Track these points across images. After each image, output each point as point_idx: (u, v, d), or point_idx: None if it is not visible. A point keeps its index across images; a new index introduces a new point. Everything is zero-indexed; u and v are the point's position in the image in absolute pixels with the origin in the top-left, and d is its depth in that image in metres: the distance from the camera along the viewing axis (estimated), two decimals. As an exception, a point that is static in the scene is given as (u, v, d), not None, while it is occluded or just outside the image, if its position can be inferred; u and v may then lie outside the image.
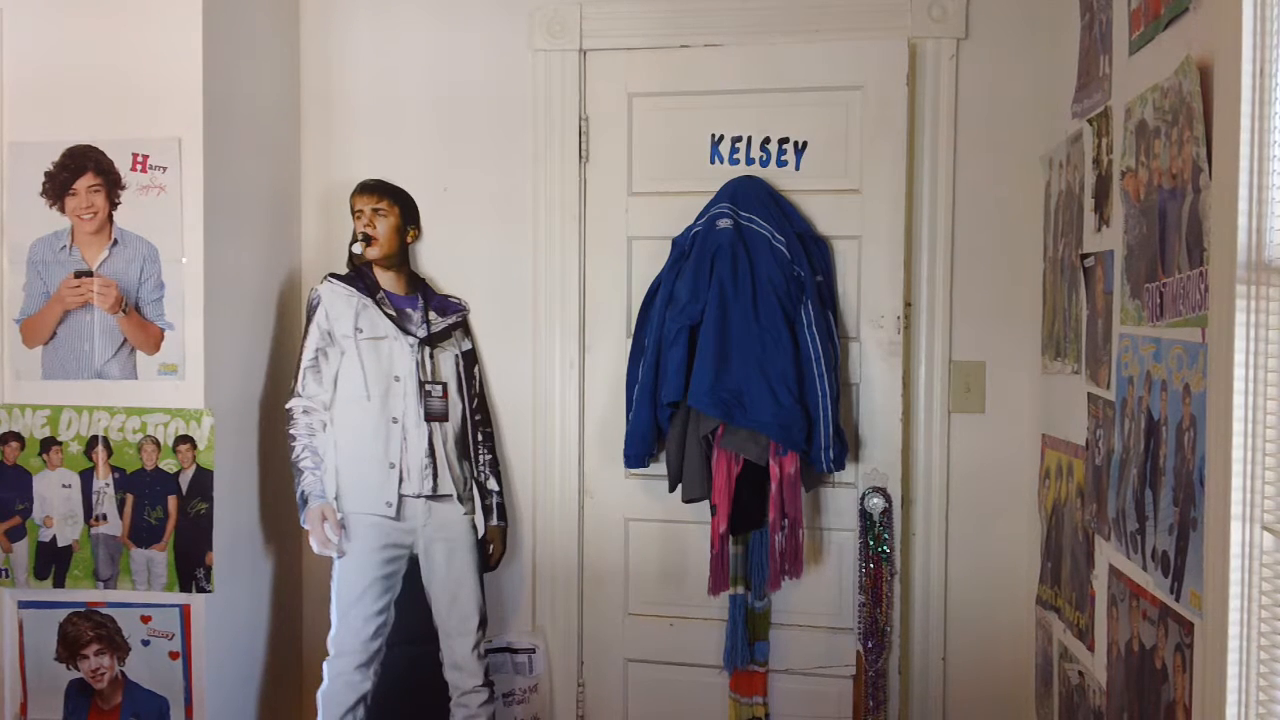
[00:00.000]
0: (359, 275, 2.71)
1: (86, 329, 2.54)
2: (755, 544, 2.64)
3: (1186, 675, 1.64)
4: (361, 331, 2.63)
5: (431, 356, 2.70)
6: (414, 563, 2.68)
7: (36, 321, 2.55)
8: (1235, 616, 1.47)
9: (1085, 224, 2.22)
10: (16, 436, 2.57)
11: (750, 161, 2.75)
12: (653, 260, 2.77)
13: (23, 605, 2.60)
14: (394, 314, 2.68)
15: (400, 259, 2.74)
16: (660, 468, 2.74)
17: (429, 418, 2.63)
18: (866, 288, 2.69)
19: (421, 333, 2.69)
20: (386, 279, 2.73)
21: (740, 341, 2.52)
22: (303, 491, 2.57)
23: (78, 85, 2.53)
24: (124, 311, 2.52)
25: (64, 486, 2.57)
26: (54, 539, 2.57)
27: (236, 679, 2.72)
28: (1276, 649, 1.45)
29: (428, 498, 2.62)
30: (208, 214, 2.53)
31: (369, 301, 2.66)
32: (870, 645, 2.64)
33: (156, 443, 2.54)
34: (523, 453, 2.92)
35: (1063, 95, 2.43)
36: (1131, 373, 1.89)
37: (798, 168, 2.73)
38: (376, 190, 2.71)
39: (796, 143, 2.73)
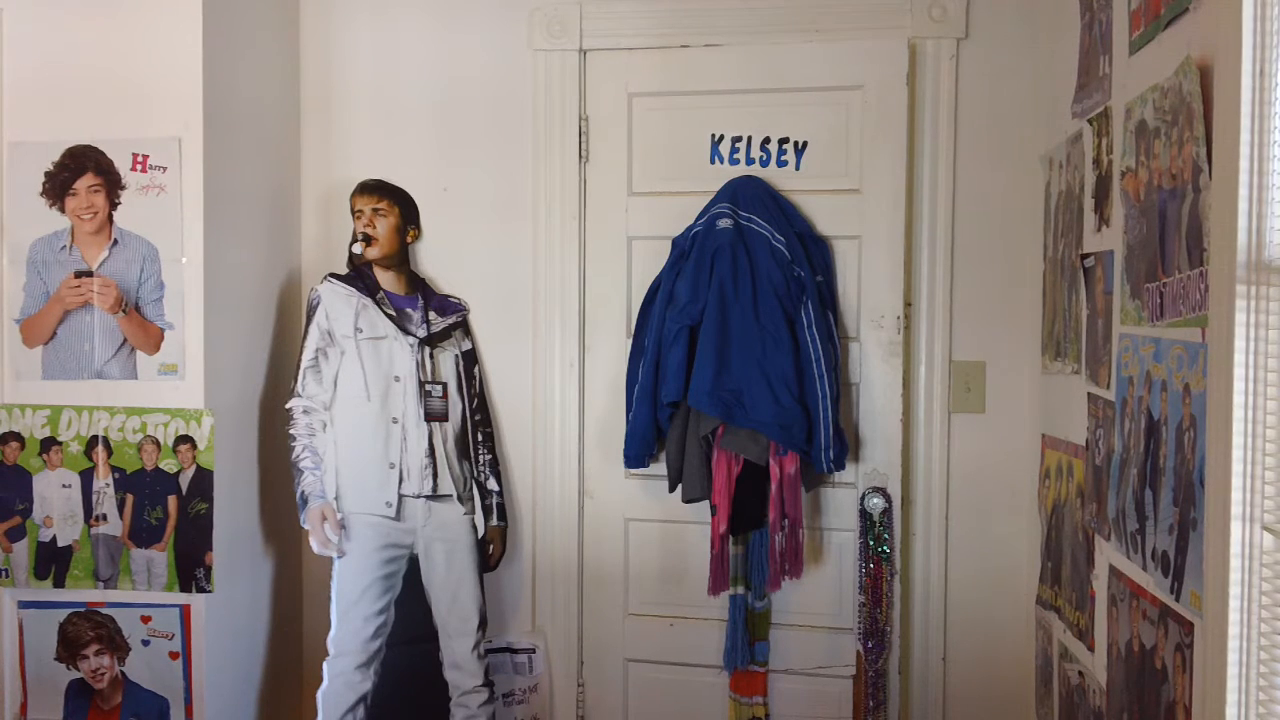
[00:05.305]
0: (359, 275, 2.71)
1: (86, 329, 2.54)
2: (755, 544, 2.64)
3: (1186, 675, 1.64)
4: (361, 331, 2.63)
5: (431, 356, 2.70)
6: (414, 563, 2.68)
7: (36, 321, 2.55)
8: (1235, 616, 1.47)
9: (1085, 224, 2.22)
10: (16, 436, 2.57)
11: (750, 161, 2.75)
12: (653, 260, 2.77)
13: (23, 605, 2.60)
14: (394, 314, 2.68)
15: (400, 259, 2.74)
16: (660, 468, 2.74)
17: (429, 418, 2.64)
18: (866, 288, 2.69)
19: (421, 333, 2.69)
20: (386, 279, 2.73)
21: (740, 341, 2.51)
22: (303, 491, 2.57)
23: (78, 85, 2.54)
24: (124, 311, 2.52)
25: (64, 486, 2.57)
26: (54, 539, 2.57)
27: (236, 679, 2.72)
28: (1276, 649, 1.44)
29: (428, 498, 2.62)
30: (208, 214, 2.53)
31: (369, 301, 2.66)
32: (870, 645, 2.64)
33: (156, 443, 2.54)
34: (523, 453, 2.92)
35: (1063, 95, 2.43)
36: (1131, 373, 1.89)
37: (798, 168, 2.73)
38: (376, 190, 2.71)
39: (796, 143, 2.73)
